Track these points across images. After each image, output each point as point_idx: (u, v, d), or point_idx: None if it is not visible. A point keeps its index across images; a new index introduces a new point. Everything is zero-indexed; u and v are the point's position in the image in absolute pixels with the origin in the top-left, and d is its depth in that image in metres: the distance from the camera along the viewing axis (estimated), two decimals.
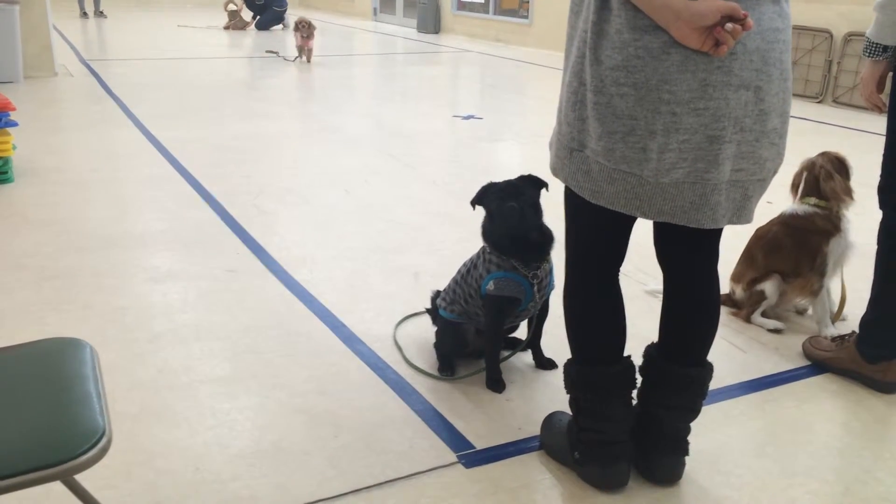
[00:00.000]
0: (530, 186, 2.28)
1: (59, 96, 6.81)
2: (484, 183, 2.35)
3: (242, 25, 12.93)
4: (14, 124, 4.25)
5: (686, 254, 1.88)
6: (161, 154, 4.98)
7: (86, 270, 3.16)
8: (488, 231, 2.33)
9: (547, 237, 2.30)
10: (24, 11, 7.24)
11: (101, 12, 14.21)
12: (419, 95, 7.59)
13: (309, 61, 9.41)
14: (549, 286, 2.37)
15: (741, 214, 1.71)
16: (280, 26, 13.24)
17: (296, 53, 9.68)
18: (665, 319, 1.94)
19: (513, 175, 2.34)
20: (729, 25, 1.48)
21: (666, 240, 1.89)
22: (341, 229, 3.74)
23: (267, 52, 10.26)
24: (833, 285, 2.89)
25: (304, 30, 9.22)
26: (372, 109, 6.78)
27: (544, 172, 2.39)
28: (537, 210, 2.28)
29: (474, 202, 2.36)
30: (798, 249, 2.78)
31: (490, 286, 2.28)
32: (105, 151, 4.99)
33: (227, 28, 12.79)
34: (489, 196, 2.30)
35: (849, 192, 2.74)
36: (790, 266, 2.81)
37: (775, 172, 1.73)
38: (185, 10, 16.45)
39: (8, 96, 4.39)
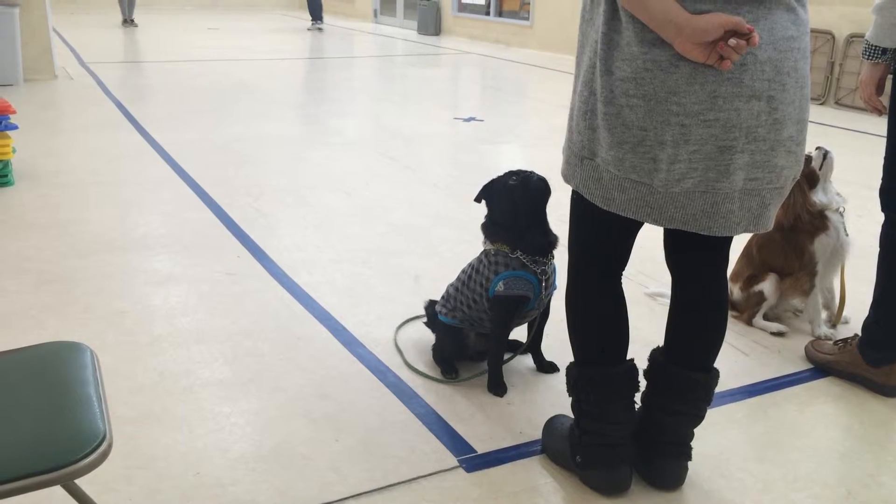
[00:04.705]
0: (528, 171, 2.36)
1: (58, 99, 6.81)
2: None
3: None
4: (14, 127, 4.24)
5: (695, 259, 1.87)
6: (161, 156, 4.98)
7: (86, 273, 3.15)
8: (499, 217, 2.34)
9: (553, 235, 2.32)
10: (24, 14, 7.23)
11: (132, 20, 13.42)
12: (420, 97, 7.59)
13: None
14: (552, 286, 2.37)
15: (759, 222, 1.70)
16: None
17: None
18: (672, 324, 1.94)
19: None
20: (732, 41, 1.47)
21: (676, 245, 1.89)
22: (342, 232, 3.73)
23: None
24: (834, 286, 2.89)
25: None
26: (372, 111, 6.78)
27: (546, 174, 2.39)
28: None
29: (480, 197, 2.37)
30: (787, 246, 2.79)
31: (499, 287, 2.28)
32: (105, 154, 4.99)
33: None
34: (498, 183, 2.34)
35: (802, 211, 2.72)
36: (781, 262, 2.81)
37: (794, 179, 1.71)
38: (185, 11, 16.46)
39: (8, 99, 4.38)
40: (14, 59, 7.12)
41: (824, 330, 2.80)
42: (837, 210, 2.77)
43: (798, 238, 2.76)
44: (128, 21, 13.25)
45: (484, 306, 2.35)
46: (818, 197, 2.75)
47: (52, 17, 7.70)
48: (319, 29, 13.47)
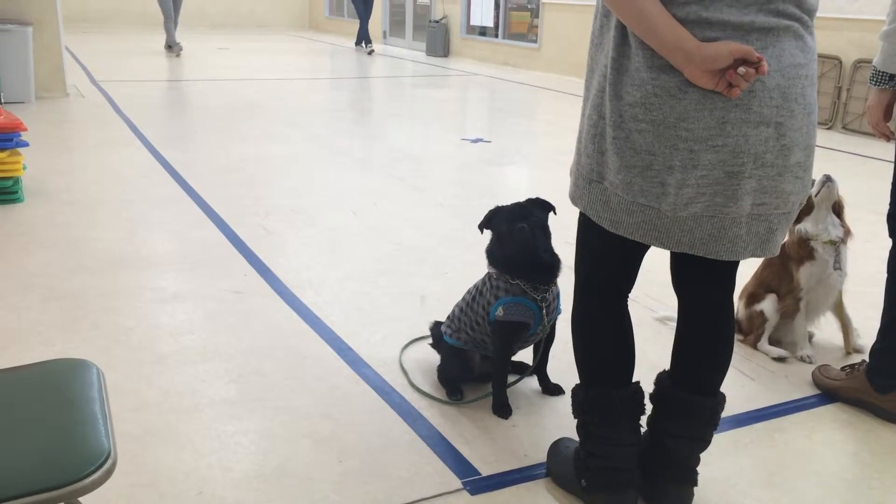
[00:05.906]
0: (538, 209, 2.31)
1: (70, 117, 6.86)
2: (491, 207, 2.36)
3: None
4: (25, 144, 4.28)
5: (702, 283, 1.87)
6: (170, 175, 5.01)
7: (93, 291, 3.16)
8: (496, 254, 2.33)
9: (555, 259, 2.30)
10: (37, 33, 7.31)
11: (171, 46, 11.92)
12: (428, 118, 7.63)
13: None
14: (556, 311, 2.36)
15: (765, 247, 1.70)
16: None
17: None
18: (678, 347, 1.93)
19: (520, 198, 2.35)
20: (742, 70, 1.48)
21: (682, 268, 1.89)
22: (348, 251, 3.74)
23: None
24: (830, 316, 2.90)
25: None
26: (380, 132, 6.81)
27: (553, 196, 2.40)
28: (546, 231, 2.30)
29: (482, 226, 2.36)
30: (782, 269, 2.82)
31: (499, 312, 2.27)
32: (114, 172, 5.02)
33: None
34: (497, 219, 2.32)
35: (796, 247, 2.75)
36: (777, 283, 2.84)
37: (801, 205, 1.72)
38: (197, 31, 16.60)
39: (19, 116, 4.42)
40: (26, 77, 7.19)
41: (808, 351, 2.80)
42: (830, 241, 2.71)
43: (788, 263, 2.79)
44: (173, 46, 11.79)
45: (486, 329, 2.34)
46: (805, 226, 2.72)
47: (64, 35, 7.78)
48: (371, 51, 13.64)
